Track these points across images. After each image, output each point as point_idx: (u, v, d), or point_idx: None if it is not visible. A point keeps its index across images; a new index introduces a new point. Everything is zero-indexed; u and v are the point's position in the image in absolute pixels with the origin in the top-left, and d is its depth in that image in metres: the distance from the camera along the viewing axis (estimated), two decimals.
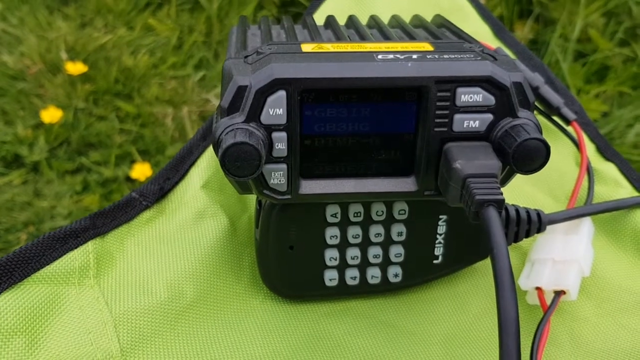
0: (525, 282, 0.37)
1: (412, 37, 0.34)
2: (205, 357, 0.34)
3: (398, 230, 0.35)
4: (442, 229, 0.36)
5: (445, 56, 0.29)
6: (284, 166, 0.29)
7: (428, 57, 0.28)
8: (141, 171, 0.93)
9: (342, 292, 0.37)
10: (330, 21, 0.37)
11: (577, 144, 0.46)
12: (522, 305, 0.37)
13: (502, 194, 0.26)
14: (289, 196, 0.30)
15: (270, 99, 0.27)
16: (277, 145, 0.28)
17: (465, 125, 0.28)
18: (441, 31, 0.36)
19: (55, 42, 1.08)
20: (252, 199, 0.41)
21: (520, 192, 0.44)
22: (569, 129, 0.46)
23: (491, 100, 0.28)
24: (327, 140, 0.29)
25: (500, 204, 0.26)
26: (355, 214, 0.34)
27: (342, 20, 0.38)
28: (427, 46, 0.30)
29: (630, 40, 1.08)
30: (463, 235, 0.36)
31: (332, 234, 0.35)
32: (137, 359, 0.33)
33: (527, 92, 0.28)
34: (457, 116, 0.28)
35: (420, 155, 0.30)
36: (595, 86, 1.03)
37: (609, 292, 0.39)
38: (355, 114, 0.29)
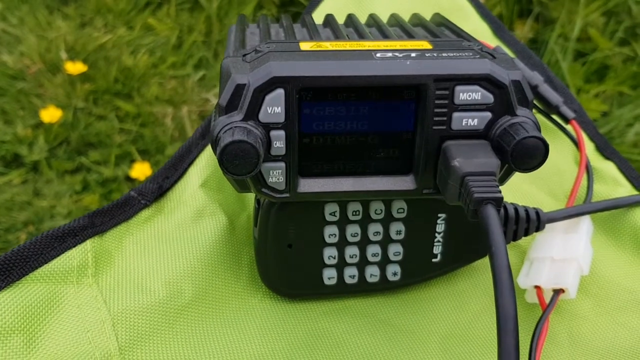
0: (524, 280, 0.37)
1: (410, 36, 0.34)
2: (204, 355, 0.34)
3: (397, 229, 0.35)
4: (440, 227, 0.36)
5: (444, 54, 0.29)
6: (283, 164, 0.29)
7: (427, 55, 0.28)
8: (141, 171, 0.93)
9: (341, 290, 0.37)
10: (329, 20, 0.37)
11: (576, 143, 0.46)
12: (521, 303, 0.37)
13: (500, 192, 0.26)
14: (287, 194, 0.30)
15: (268, 97, 0.27)
16: (276, 144, 0.28)
17: (463, 124, 0.28)
18: (440, 30, 0.36)
19: (55, 42, 1.08)
20: (250, 197, 0.41)
21: (519, 190, 0.44)
22: (568, 127, 0.46)
23: (490, 98, 0.28)
24: (326, 139, 0.29)
25: (498, 202, 0.26)
26: (354, 213, 0.34)
27: (341, 19, 0.38)
28: (425, 45, 0.30)
29: (630, 39, 1.08)
30: (462, 233, 0.36)
31: (330, 233, 0.35)
32: (136, 357, 0.33)
33: (525, 90, 0.28)
34: (455, 114, 0.28)
35: (419, 154, 0.30)
36: (595, 85, 1.03)
37: (607, 291, 0.39)
38: (353, 112, 0.29)
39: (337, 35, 0.34)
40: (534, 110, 0.35)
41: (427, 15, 0.39)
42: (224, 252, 0.38)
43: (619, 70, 1.04)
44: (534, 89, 0.45)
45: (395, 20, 0.38)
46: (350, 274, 0.36)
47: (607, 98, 1.02)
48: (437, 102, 0.28)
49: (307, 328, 0.36)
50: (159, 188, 0.39)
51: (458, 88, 0.28)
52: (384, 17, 0.39)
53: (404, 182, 0.31)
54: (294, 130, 0.28)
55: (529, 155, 0.27)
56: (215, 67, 1.09)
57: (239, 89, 0.27)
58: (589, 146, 0.47)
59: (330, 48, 0.29)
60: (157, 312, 0.35)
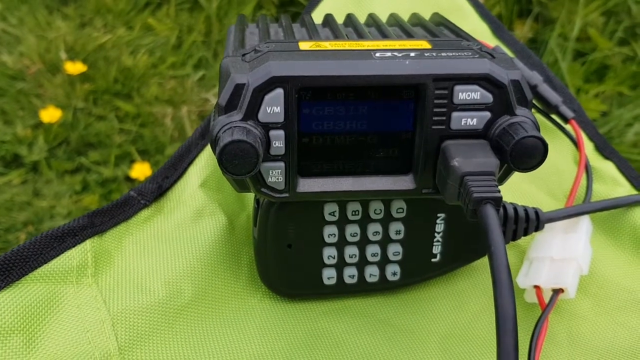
0: (523, 280, 0.37)
1: (410, 36, 0.34)
2: (204, 355, 0.34)
3: (396, 229, 0.35)
4: (440, 227, 0.36)
5: (443, 54, 0.29)
6: (282, 164, 0.29)
7: (426, 55, 0.28)
8: (141, 171, 0.93)
9: (341, 290, 0.37)
10: (328, 20, 0.37)
11: (576, 142, 0.46)
12: (521, 303, 0.37)
13: (499, 191, 0.26)
14: (286, 194, 0.30)
15: (267, 97, 0.27)
16: (275, 143, 0.28)
17: (463, 123, 0.28)
18: (439, 29, 0.36)
19: (54, 42, 1.08)
20: (250, 197, 0.41)
21: (519, 190, 0.44)
22: (568, 127, 0.46)
23: (489, 98, 0.28)
24: (325, 139, 0.29)
25: (498, 202, 0.26)
26: (354, 212, 0.34)
27: (340, 19, 0.38)
28: (425, 44, 0.30)
29: (629, 39, 1.08)
30: (461, 233, 0.36)
31: (330, 233, 0.35)
32: (135, 357, 0.33)
33: (524, 89, 0.28)
34: (454, 114, 0.28)
35: (418, 153, 0.30)
36: (595, 85, 1.03)
37: (607, 290, 0.39)
38: (353, 112, 0.29)
39: (337, 35, 0.34)
40: (533, 110, 0.35)
41: (426, 15, 0.39)
42: (223, 252, 0.38)
43: (619, 70, 1.04)
44: (533, 88, 0.45)
45: (394, 20, 0.38)
46: (350, 274, 0.36)
47: (607, 98, 1.02)
48: (436, 101, 0.28)
49: (306, 328, 0.36)
50: (158, 188, 0.39)
51: (457, 88, 0.28)
52: (383, 17, 0.39)
53: (404, 182, 0.31)
54: (293, 130, 0.28)
55: (528, 155, 0.27)
56: (215, 67, 1.09)
57: (239, 88, 0.27)
58: (588, 146, 0.47)
59: (330, 48, 0.29)
60: (157, 312, 0.35)
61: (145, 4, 1.17)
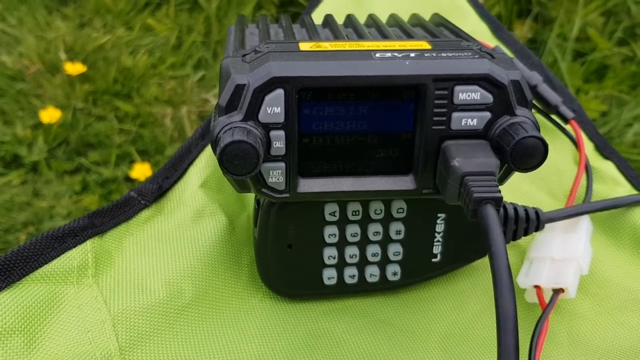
0: (523, 280, 0.37)
1: (410, 36, 0.34)
2: (204, 355, 0.34)
3: (396, 229, 0.35)
4: (440, 227, 0.36)
5: (443, 54, 0.29)
6: (282, 164, 0.29)
7: (426, 55, 0.28)
8: (141, 171, 0.93)
9: (341, 290, 0.37)
10: (328, 20, 0.37)
11: (576, 142, 0.46)
12: (521, 303, 0.37)
13: (500, 191, 0.26)
14: (287, 195, 0.30)
15: (268, 98, 0.27)
16: (275, 144, 0.28)
17: (463, 124, 0.28)
18: (439, 30, 0.36)
19: (54, 43, 1.08)
20: (250, 197, 0.41)
21: (519, 190, 0.44)
22: (567, 127, 0.46)
23: (489, 98, 0.28)
24: (325, 139, 0.29)
25: (498, 202, 0.26)
26: (354, 213, 0.34)
27: (340, 20, 0.38)
28: (425, 45, 0.30)
29: (629, 39, 1.08)
30: (461, 233, 0.36)
31: (330, 233, 0.35)
32: (136, 357, 0.33)
33: (524, 90, 0.28)
34: (455, 114, 0.28)
35: (418, 154, 0.30)
36: (594, 85, 1.03)
37: (607, 290, 0.39)
38: (353, 112, 0.29)
39: (337, 36, 0.34)
40: (533, 110, 0.35)
41: (426, 16, 0.39)
42: (224, 252, 0.38)
43: (618, 70, 1.05)
44: (533, 88, 0.45)
45: (394, 20, 0.38)
46: (350, 274, 0.36)
47: (606, 98, 1.02)
48: (436, 102, 0.28)
49: (307, 328, 0.36)
50: (158, 188, 0.39)
51: (457, 88, 0.28)
52: (383, 18, 0.39)
53: (404, 182, 0.31)
54: (293, 131, 0.28)
55: (528, 155, 0.27)
56: (215, 68, 1.09)
57: (239, 89, 0.27)
58: (588, 146, 0.47)
59: (330, 48, 0.29)
60: (157, 312, 0.35)
61: (144, 4, 1.17)
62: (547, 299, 0.36)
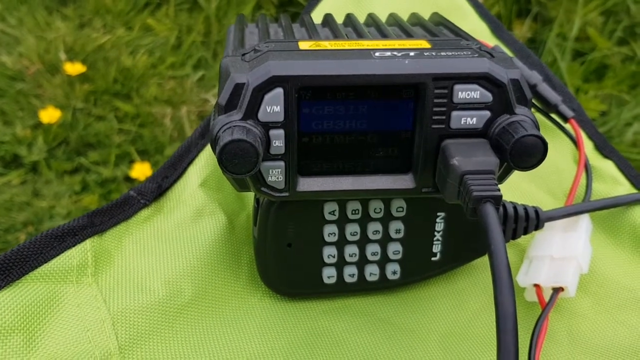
0: (523, 279, 0.37)
1: (409, 35, 0.34)
2: (204, 354, 0.34)
3: (396, 228, 0.35)
4: (440, 226, 0.36)
5: (443, 53, 0.29)
6: (282, 163, 0.29)
7: (425, 54, 0.28)
8: (141, 171, 0.93)
9: (341, 289, 0.37)
10: (328, 19, 0.37)
11: (575, 141, 0.46)
12: (521, 302, 0.37)
13: (499, 190, 0.26)
14: (286, 193, 0.30)
15: (267, 97, 0.27)
16: (275, 143, 0.28)
17: (462, 122, 0.28)
18: (439, 29, 0.36)
19: (54, 43, 1.08)
20: (250, 197, 0.41)
21: (518, 189, 0.44)
22: (567, 126, 0.46)
23: (488, 97, 0.28)
24: (325, 138, 0.29)
25: (497, 200, 0.26)
26: (353, 212, 0.34)
27: (339, 19, 0.38)
28: (424, 44, 0.30)
29: (628, 38, 1.08)
30: (461, 232, 0.36)
31: (330, 232, 0.35)
32: (135, 356, 0.33)
33: (524, 88, 0.28)
34: (454, 113, 0.28)
35: (417, 153, 0.30)
36: (594, 85, 1.03)
37: (607, 289, 0.39)
38: (352, 111, 0.29)
39: (336, 35, 0.34)
40: (532, 109, 0.35)
41: (426, 15, 0.39)
42: (223, 251, 0.38)
43: (618, 69, 1.05)
44: (533, 87, 0.45)
45: (393, 19, 0.38)
46: (350, 273, 0.36)
47: (606, 97, 1.02)
48: (435, 101, 0.28)
49: (306, 327, 0.36)
50: (158, 187, 0.39)
51: (457, 87, 0.28)
52: (383, 17, 0.39)
53: (403, 181, 0.31)
54: (293, 129, 0.28)
55: (527, 154, 0.27)
56: (214, 67, 1.09)
57: (238, 88, 0.27)
58: (587, 145, 0.47)
59: (329, 47, 0.29)
60: (157, 311, 0.35)
61: (144, 4, 1.17)
62: (546, 298, 0.36)
